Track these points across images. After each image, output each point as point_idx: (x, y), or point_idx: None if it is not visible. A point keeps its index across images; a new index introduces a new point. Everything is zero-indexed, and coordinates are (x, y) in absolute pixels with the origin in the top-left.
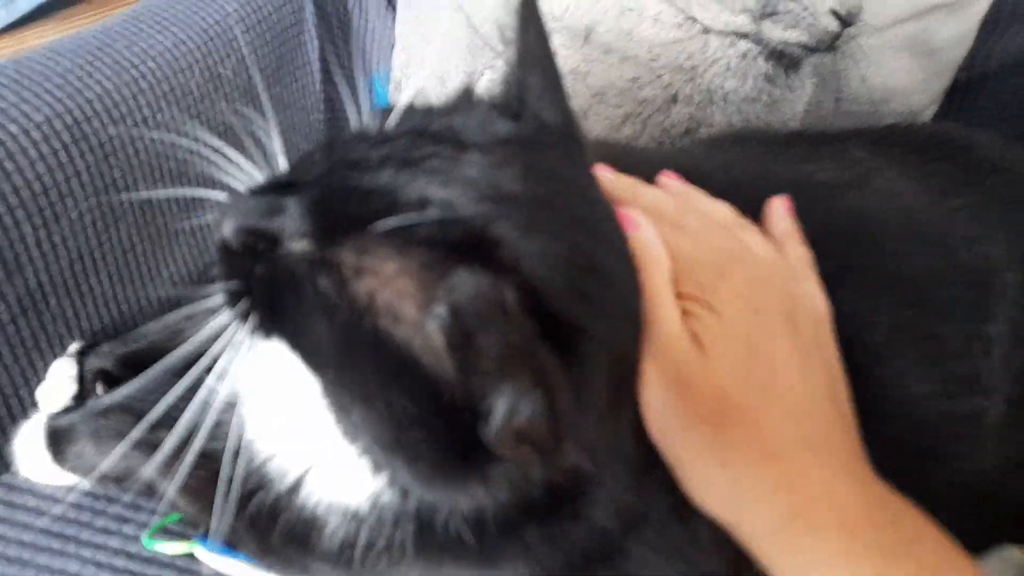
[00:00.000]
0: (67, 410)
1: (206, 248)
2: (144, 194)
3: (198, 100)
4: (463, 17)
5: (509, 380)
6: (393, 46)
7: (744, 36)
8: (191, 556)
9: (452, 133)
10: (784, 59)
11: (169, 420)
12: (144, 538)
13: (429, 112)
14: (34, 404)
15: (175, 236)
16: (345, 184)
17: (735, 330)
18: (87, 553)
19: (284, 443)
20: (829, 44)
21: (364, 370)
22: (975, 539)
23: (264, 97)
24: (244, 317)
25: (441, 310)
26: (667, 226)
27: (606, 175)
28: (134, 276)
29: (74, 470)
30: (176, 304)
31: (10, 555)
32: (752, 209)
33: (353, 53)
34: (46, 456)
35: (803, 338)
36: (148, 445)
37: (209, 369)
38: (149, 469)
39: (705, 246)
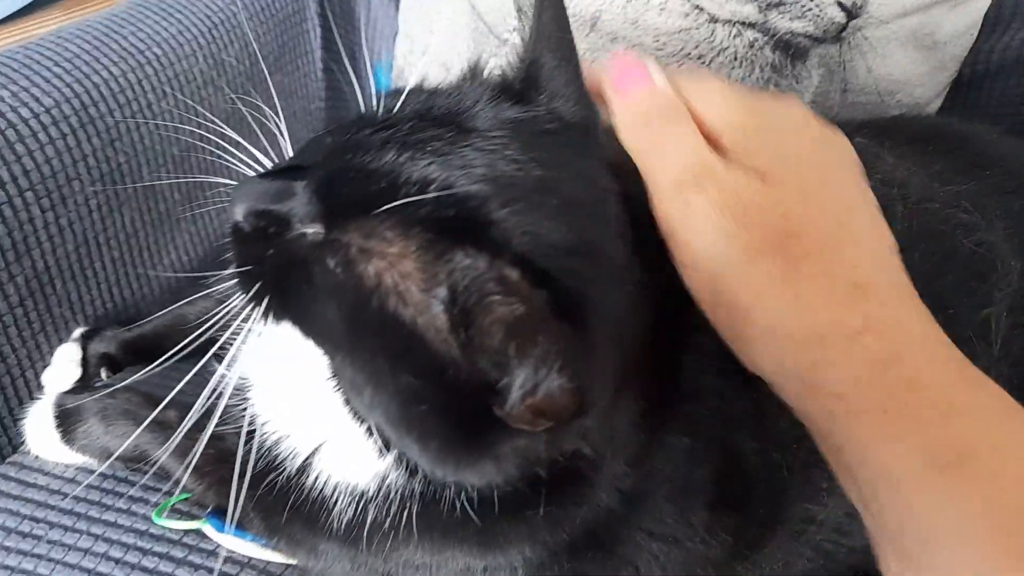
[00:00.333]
0: (75, 390)
1: (207, 236)
2: (150, 181)
3: (202, 87)
4: (467, 5)
5: (526, 353)
6: (395, 35)
7: (751, 26)
8: (199, 533)
9: (455, 116)
10: (791, 49)
11: (176, 400)
12: (153, 515)
13: (433, 94)
14: (40, 387)
15: (176, 223)
16: (349, 166)
17: (802, 163)
18: (97, 530)
19: (294, 424)
20: (835, 35)
21: (374, 349)
22: None
23: (270, 82)
24: (256, 301)
25: (442, 291)
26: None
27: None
28: (136, 262)
29: (82, 450)
30: (177, 291)
31: (24, 531)
32: None
33: (355, 41)
34: (55, 436)
35: (870, 194)
36: (157, 424)
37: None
38: (158, 449)
39: (735, 104)
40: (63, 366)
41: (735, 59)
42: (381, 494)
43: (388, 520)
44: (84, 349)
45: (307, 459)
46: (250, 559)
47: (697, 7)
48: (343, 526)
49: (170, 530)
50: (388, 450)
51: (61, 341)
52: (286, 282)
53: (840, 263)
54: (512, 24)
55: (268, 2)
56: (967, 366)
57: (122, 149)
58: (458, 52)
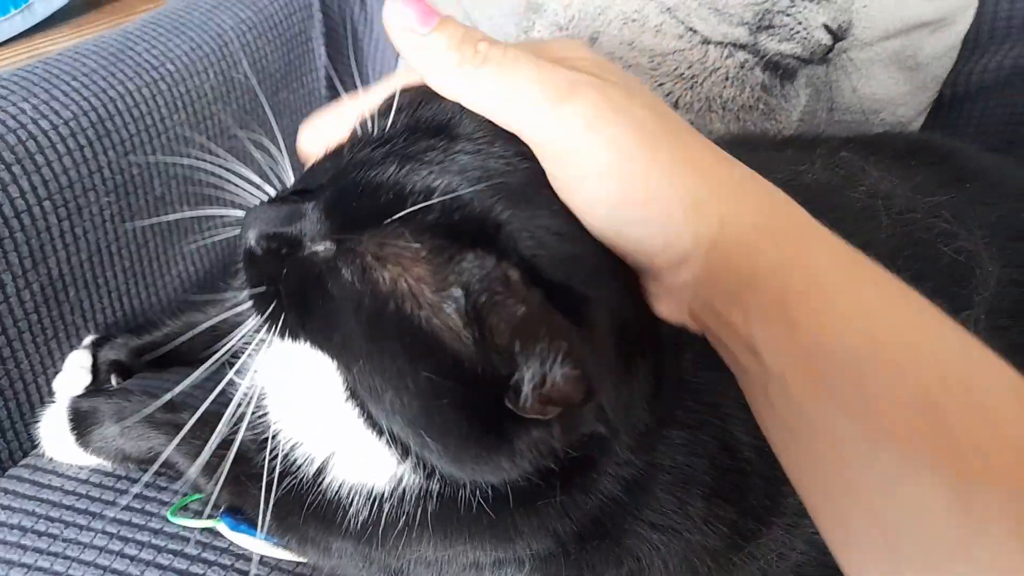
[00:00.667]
0: (90, 393)
1: (214, 247)
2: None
3: (212, 102)
4: (470, 25)
5: (531, 349)
6: (397, 54)
7: (742, 47)
8: (212, 530)
9: (442, 125)
10: (780, 70)
11: (191, 403)
12: (168, 513)
13: (418, 108)
14: (51, 393)
15: (184, 234)
16: (357, 182)
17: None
18: (112, 528)
19: (308, 432)
20: (822, 56)
21: (394, 352)
22: None
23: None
24: (272, 321)
25: (455, 293)
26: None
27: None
28: (146, 272)
29: (97, 452)
30: (186, 300)
31: (39, 530)
32: None
33: (358, 60)
34: (70, 438)
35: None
36: (172, 428)
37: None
38: (172, 451)
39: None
40: (74, 372)
41: (727, 79)
42: (396, 495)
43: (403, 519)
44: (94, 356)
45: (322, 464)
46: (262, 556)
47: (691, 29)
48: (358, 525)
49: (184, 528)
50: (406, 457)
51: (72, 348)
52: (301, 299)
53: (707, 141)
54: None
55: (275, 22)
56: (800, 211)
57: (136, 162)
58: None
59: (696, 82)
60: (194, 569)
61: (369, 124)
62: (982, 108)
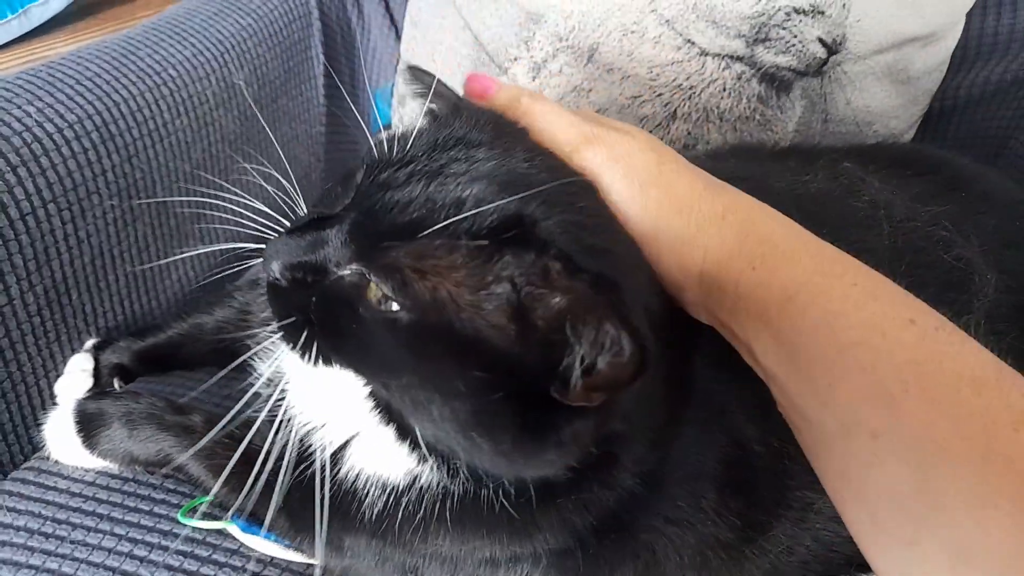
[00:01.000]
0: (96, 395)
1: (211, 254)
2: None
3: (213, 108)
4: (470, 36)
5: (582, 334)
6: (395, 63)
7: (739, 59)
8: (222, 532)
9: (458, 138)
10: (776, 82)
11: (200, 406)
12: (179, 515)
13: (436, 129)
14: (52, 397)
15: (185, 239)
16: (385, 202)
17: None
18: (120, 530)
19: (327, 416)
20: (817, 69)
21: (440, 358)
22: None
23: (258, 111)
24: (306, 349)
25: (496, 290)
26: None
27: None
28: (147, 275)
29: (104, 455)
30: (186, 304)
31: (47, 532)
32: None
33: (355, 69)
34: (76, 441)
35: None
36: (182, 429)
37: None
38: (182, 453)
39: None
40: (76, 376)
41: (724, 90)
42: (414, 489)
43: (420, 512)
44: (96, 359)
45: (338, 451)
46: (272, 558)
47: (689, 41)
48: (373, 517)
49: (195, 529)
50: (428, 458)
51: (74, 351)
52: (333, 326)
53: (697, 175)
54: (513, 54)
55: (275, 30)
56: (801, 229)
57: (139, 165)
58: (459, 80)
59: (694, 93)
60: (205, 571)
61: (387, 147)
62: (970, 120)
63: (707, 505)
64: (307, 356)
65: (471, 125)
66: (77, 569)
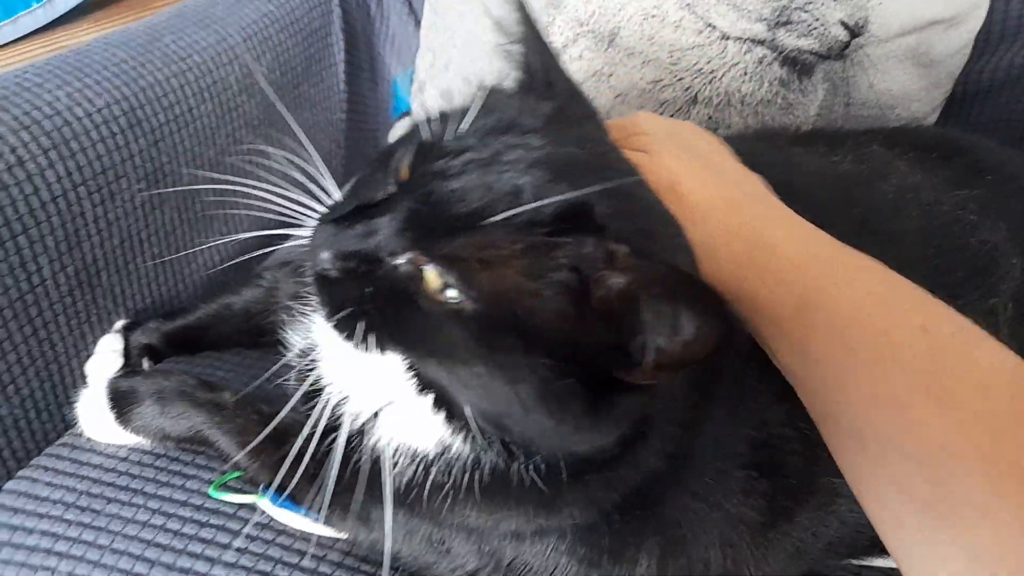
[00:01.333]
0: (128, 373)
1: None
2: (188, 181)
3: (237, 94)
4: (489, 21)
5: (658, 312)
6: (413, 50)
7: (760, 43)
8: (253, 507)
9: (509, 126)
10: (798, 65)
11: (230, 384)
12: (210, 490)
13: (485, 115)
14: (83, 377)
15: (210, 223)
16: (442, 191)
17: (698, 150)
18: (153, 504)
19: (359, 386)
20: (839, 52)
21: (507, 347)
22: None
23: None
24: (363, 340)
25: (559, 276)
26: None
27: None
28: (176, 257)
29: (137, 431)
30: (212, 286)
31: (82, 505)
32: (780, 192)
33: (375, 56)
34: (109, 417)
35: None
36: (214, 406)
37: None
38: (214, 431)
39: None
40: (106, 356)
41: (745, 74)
42: (444, 458)
43: (449, 482)
44: (126, 340)
45: (368, 421)
46: (302, 532)
47: (710, 25)
48: (401, 488)
49: (226, 504)
50: (467, 435)
51: (104, 332)
52: (392, 316)
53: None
54: None
55: (296, 16)
56: (814, 229)
57: (165, 150)
58: (480, 67)
59: (715, 77)
60: (236, 544)
61: (435, 129)
62: (994, 104)
63: (734, 484)
64: (365, 346)
65: (523, 109)
66: (112, 540)
